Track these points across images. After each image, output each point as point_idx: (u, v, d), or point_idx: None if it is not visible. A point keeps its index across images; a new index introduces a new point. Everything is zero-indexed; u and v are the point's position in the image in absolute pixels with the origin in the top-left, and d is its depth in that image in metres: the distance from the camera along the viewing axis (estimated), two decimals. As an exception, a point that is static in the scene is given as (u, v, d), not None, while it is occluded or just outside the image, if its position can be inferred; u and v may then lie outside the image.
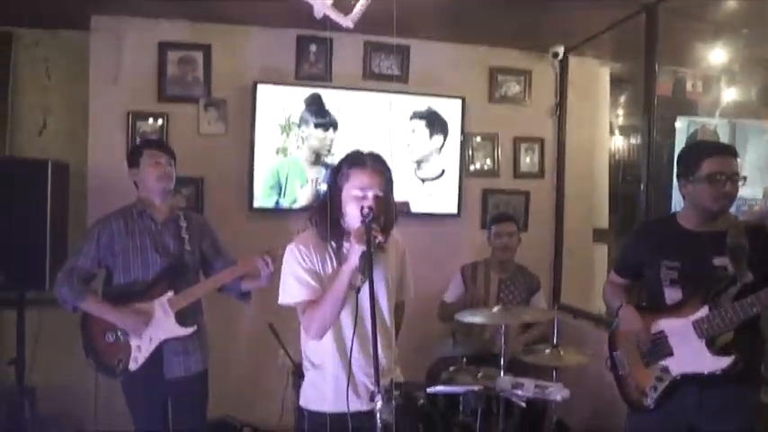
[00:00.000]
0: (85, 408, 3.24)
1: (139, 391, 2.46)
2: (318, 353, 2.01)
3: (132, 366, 2.43)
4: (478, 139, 3.94)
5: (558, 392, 2.14)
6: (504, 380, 2.17)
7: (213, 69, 3.50)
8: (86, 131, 3.37)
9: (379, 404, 1.65)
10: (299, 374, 2.56)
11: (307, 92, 3.51)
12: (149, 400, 2.47)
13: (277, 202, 3.51)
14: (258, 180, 3.48)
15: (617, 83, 4.32)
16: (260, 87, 3.45)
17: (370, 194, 1.90)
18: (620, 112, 4.58)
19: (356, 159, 1.96)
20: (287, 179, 3.50)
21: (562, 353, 2.83)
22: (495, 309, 2.79)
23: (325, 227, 1.96)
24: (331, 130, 3.56)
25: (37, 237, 2.69)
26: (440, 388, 1.95)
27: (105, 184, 3.31)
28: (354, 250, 1.83)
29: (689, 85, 4.22)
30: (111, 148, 3.35)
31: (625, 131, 4.55)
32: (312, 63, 3.60)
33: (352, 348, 1.84)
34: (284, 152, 3.50)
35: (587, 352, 2.91)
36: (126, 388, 2.48)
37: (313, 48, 3.60)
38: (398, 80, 3.74)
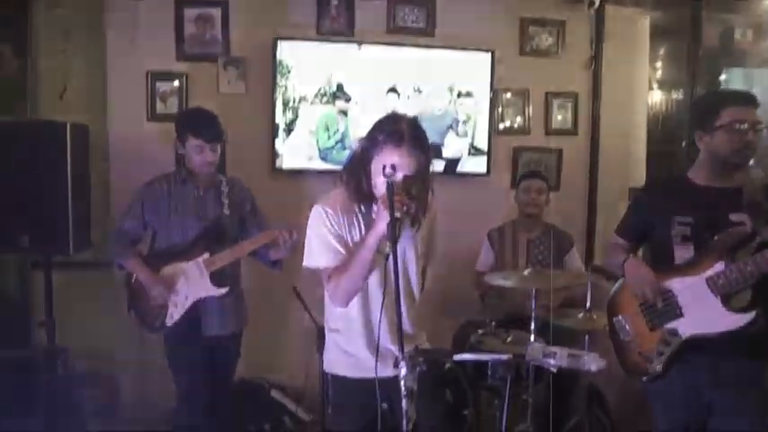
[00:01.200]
0: (117, 365, 3.31)
1: (179, 345, 2.60)
2: (343, 318, 1.96)
3: (168, 322, 2.58)
4: (508, 94, 3.76)
5: (592, 362, 2.03)
6: (534, 348, 2.08)
7: (231, 26, 3.39)
8: (106, 93, 3.33)
9: (403, 371, 1.60)
10: (322, 338, 2.56)
11: (330, 63, 3.40)
12: (188, 355, 2.60)
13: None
14: (300, 132, 3.43)
15: (658, 33, 4.07)
16: (280, 44, 3.34)
17: (400, 175, 1.78)
18: (660, 64, 4.33)
19: (393, 133, 1.81)
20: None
21: (595, 317, 2.73)
22: (526, 271, 2.69)
23: (354, 190, 1.88)
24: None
25: (58, 200, 2.67)
26: (466, 356, 1.88)
27: (126, 146, 3.30)
28: (382, 217, 1.74)
29: (737, 34, 3.94)
30: (131, 110, 3.32)
31: (665, 86, 4.31)
32: (334, 17, 3.46)
33: (381, 316, 1.78)
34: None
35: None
36: (167, 340, 2.63)
37: (334, 1, 3.45)
38: (424, 34, 3.58)
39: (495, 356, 2.01)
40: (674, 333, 2.04)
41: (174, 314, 2.57)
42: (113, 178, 3.32)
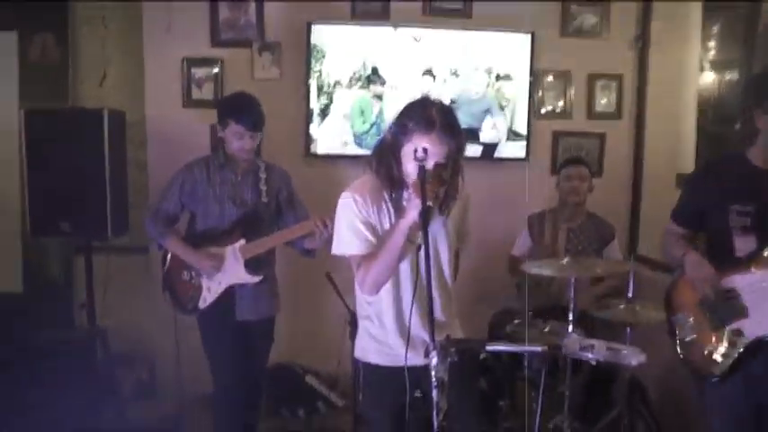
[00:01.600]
0: (155, 347, 3.38)
1: (212, 329, 2.63)
2: (374, 305, 1.94)
3: (201, 305, 2.61)
4: (549, 77, 3.63)
5: (633, 356, 1.92)
6: (572, 340, 2.00)
7: (265, 11, 3.37)
8: (143, 80, 3.36)
9: (434, 360, 1.56)
10: (355, 324, 2.54)
11: (364, 47, 3.35)
12: (221, 339, 2.62)
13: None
14: (334, 119, 3.39)
15: (710, 10, 3.85)
16: (314, 28, 3.30)
17: (431, 162, 1.74)
18: (712, 44, 4.10)
19: (423, 119, 1.76)
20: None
21: (638, 308, 2.62)
22: (565, 260, 2.60)
23: (384, 176, 1.84)
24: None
25: (97, 187, 2.72)
26: (501, 347, 1.82)
27: (163, 133, 3.33)
28: (413, 205, 1.70)
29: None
30: (167, 96, 3.36)
31: (717, 66, 4.09)
32: (368, 0, 3.39)
33: (413, 304, 1.75)
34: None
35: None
36: (201, 323, 2.66)
37: (369, -17, 3.40)
38: (461, 15, 3.47)
39: (530, 348, 1.93)
40: (740, 334, 1.92)
41: (208, 298, 2.59)
42: (150, 164, 3.36)
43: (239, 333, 2.62)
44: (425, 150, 1.72)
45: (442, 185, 1.78)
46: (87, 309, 3.02)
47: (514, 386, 2.87)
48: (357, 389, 2.10)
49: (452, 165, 1.81)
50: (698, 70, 3.93)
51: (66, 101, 3.34)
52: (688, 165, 4.01)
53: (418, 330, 1.85)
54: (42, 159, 2.70)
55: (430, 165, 1.74)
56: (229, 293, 2.59)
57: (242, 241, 2.57)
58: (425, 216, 1.63)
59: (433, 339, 1.58)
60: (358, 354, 2.01)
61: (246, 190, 2.64)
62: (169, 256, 2.66)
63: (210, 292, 2.59)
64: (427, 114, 1.76)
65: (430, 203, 1.66)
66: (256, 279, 2.59)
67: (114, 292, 3.20)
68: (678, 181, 4.00)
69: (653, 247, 3.74)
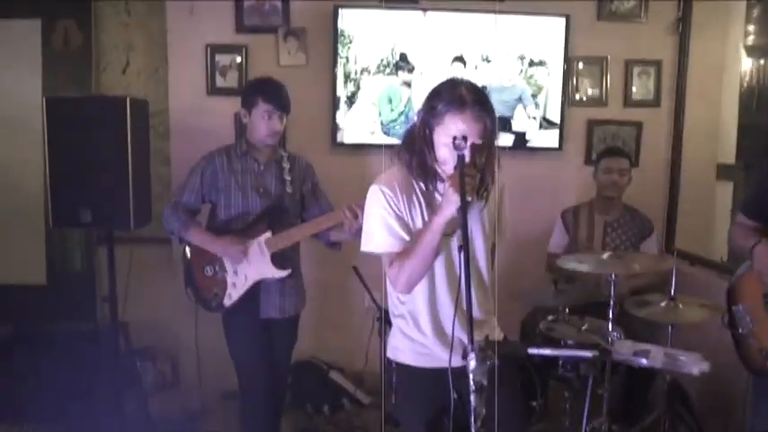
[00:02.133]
0: (178, 341, 3.32)
1: (236, 326, 2.52)
2: (408, 304, 1.84)
3: (226, 302, 2.49)
4: (584, 63, 3.48)
5: (694, 365, 1.78)
6: (624, 344, 1.87)
7: (291, -4, 3.28)
8: (167, 68, 3.29)
9: (472, 363, 1.46)
10: (384, 321, 2.45)
11: (393, 32, 3.23)
12: (245, 336, 2.51)
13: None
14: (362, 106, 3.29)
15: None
16: (341, 12, 3.20)
17: (467, 144, 1.63)
18: (753, 28, 3.90)
19: (454, 99, 1.66)
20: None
21: (681, 306, 2.48)
22: (605, 255, 2.46)
23: (417, 167, 1.74)
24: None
25: (119, 176, 2.65)
26: (546, 351, 1.71)
27: (187, 121, 3.27)
28: (451, 201, 1.59)
29: None
30: (191, 84, 3.29)
31: (758, 52, 3.89)
32: (397, -18, 3.28)
33: (456, 305, 1.63)
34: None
35: (709, 304, 2.54)
36: (225, 322, 2.55)
37: (398, -34, 3.28)
38: (493, -2, 3.34)
39: (580, 353, 1.80)
40: None
41: (233, 294, 2.48)
42: (173, 153, 3.30)
43: (264, 332, 2.53)
44: (465, 138, 1.61)
45: (478, 171, 1.67)
46: (110, 301, 2.96)
47: (547, 386, 2.76)
48: (389, 389, 2.00)
49: (488, 146, 1.70)
50: (740, 56, 3.76)
51: (89, 89, 3.28)
52: (729, 155, 3.84)
53: (456, 331, 1.75)
54: (64, 148, 2.63)
55: (467, 153, 1.63)
56: (254, 290, 2.49)
57: (268, 234, 2.46)
58: (464, 212, 1.53)
59: (471, 341, 1.48)
60: (390, 354, 1.92)
61: (270, 180, 2.54)
62: (188, 250, 2.55)
63: (236, 287, 2.48)
64: (457, 93, 1.67)
65: (469, 198, 1.56)
66: (284, 273, 2.47)
67: (137, 284, 3.15)
68: (719, 172, 3.84)
69: (691, 241, 3.60)
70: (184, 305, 2.75)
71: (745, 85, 3.84)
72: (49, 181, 2.66)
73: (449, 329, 1.76)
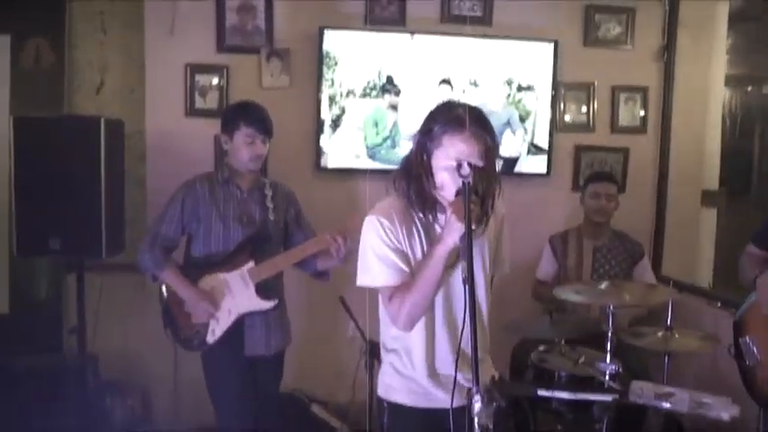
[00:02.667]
0: (150, 374, 3.15)
1: (218, 363, 2.36)
2: (401, 338, 1.72)
3: (209, 339, 2.34)
4: (571, 88, 3.45)
5: (724, 409, 1.66)
6: (644, 387, 1.75)
7: (275, 16, 3.18)
8: (144, 88, 3.16)
9: (477, 406, 1.35)
10: (372, 354, 2.33)
11: (379, 55, 3.17)
12: (228, 374, 2.36)
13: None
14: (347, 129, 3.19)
15: (735, 21, 3.70)
16: (327, 34, 3.12)
17: (468, 165, 1.54)
18: (736, 57, 3.93)
19: (451, 119, 1.58)
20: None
21: (677, 336, 2.42)
22: (603, 285, 2.39)
23: (415, 195, 1.64)
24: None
25: (91, 201, 2.51)
26: (561, 394, 1.59)
27: (164, 143, 3.13)
28: (454, 228, 1.50)
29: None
30: (169, 104, 3.15)
31: (742, 80, 3.92)
32: (384, 5, 3.21)
33: (461, 340, 1.51)
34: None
35: (705, 335, 2.48)
36: (204, 362, 2.39)
37: (385, -13, 3.22)
38: (481, 22, 3.30)
39: (598, 397, 1.69)
40: None
41: (216, 330, 2.33)
42: (149, 177, 3.15)
43: (248, 370, 2.37)
44: (470, 164, 1.53)
45: (481, 197, 1.59)
46: (78, 333, 2.79)
47: (536, 417, 2.66)
48: (381, 430, 1.88)
49: (489, 168, 1.61)
50: (723, 83, 3.78)
51: (61, 109, 3.13)
52: (713, 182, 3.85)
53: (451, 369, 1.65)
54: (32, 171, 2.48)
55: (467, 170, 1.53)
56: (238, 325, 2.34)
57: (251, 263, 2.33)
58: (470, 241, 1.44)
59: (477, 381, 1.38)
60: (382, 392, 1.79)
61: (254, 207, 2.43)
62: (165, 288, 2.40)
63: (219, 323, 2.32)
64: (455, 113, 1.59)
65: (474, 226, 1.47)
66: (271, 304, 2.35)
67: (107, 314, 2.98)
68: (703, 198, 3.84)
69: (677, 268, 3.56)
70: (158, 336, 2.59)
71: (728, 111, 3.87)
72: (15, 206, 2.51)
73: (445, 368, 1.67)
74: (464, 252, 1.47)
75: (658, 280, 3.23)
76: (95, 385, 2.92)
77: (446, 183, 1.59)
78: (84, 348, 2.80)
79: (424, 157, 1.62)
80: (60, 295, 3.19)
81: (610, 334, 2.23)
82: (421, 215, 1.67)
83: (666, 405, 1.72)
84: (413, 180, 1.65)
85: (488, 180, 1.63)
